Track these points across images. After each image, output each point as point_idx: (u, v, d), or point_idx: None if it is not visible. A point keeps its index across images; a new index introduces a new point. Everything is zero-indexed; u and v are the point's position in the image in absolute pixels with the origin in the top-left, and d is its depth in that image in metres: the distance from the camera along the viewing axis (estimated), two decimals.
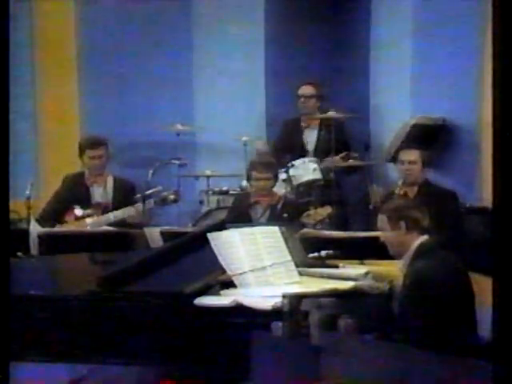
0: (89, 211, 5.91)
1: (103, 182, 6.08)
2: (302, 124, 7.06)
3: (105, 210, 5.93)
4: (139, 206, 5.79)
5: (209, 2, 7.64)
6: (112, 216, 5.83)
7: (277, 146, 7.11)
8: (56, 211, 5.97)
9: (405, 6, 6.77)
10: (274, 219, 5.45)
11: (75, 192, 6.06)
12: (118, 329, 3.54)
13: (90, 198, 6.05)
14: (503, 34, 2.30)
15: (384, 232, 3.98)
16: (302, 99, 6.99)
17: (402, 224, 3.88)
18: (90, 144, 6.07)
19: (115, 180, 6.12)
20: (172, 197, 5.82)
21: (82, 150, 6.08)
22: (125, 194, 6.03)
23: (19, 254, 4.94)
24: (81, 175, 6.14)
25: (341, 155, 6.60)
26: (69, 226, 5.80)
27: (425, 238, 3.88)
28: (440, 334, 3.56)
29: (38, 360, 3.68)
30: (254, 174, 5.76)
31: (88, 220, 5.85)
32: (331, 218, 5.80)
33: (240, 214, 5.70)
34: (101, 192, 6.07)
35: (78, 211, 5.89)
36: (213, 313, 3.44)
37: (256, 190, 5.81)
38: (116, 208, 5.91)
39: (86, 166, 6.10)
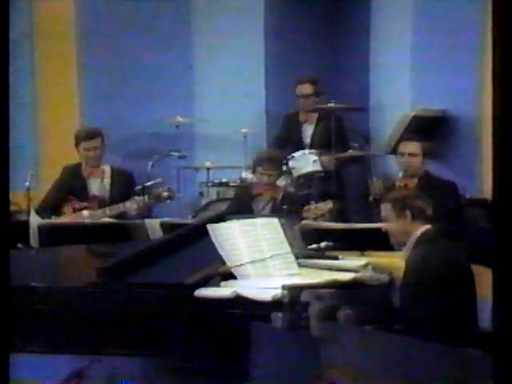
0: (85, 204, 5.91)
1: (100, 173, 6.07)
2: (301, 119, 7.06)
3: (101, 202, 5.92)
4: (137, 198, 5.79)
5: None
6: (108, 210, 5.82)
7: (277, 140, 7.11)
8: (54, 203, 5.96)
9: None
10: (275, 211, 5.44)
11: (72, 184, 6.05)
12: (118, 320, 3.55)
13: (86, 189, 6.04)
14: (503, 27, 2.30)
15: (388, 221, 4.00)
16: (302, 99, 6.98)
17: (408, 213, 3.92)
18: (85, 135, 6.07)
19: (113, 171, 6.10)
20: (166, 194, 5.82)
21: (77, 142, 6.08)
22: (123, 185, 6.02)
23: (19, 245, 4.95)
24: (78, 167, 6.13)
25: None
26: (66, 218, 5.79)
27: (427, 227, 3.91)
28: (440, 324, 3.57)
29: (38, 351, 3.69)
30: (260, 169, 5.74)
31: (85, 212, 5.85)
32: (332, 213, 5.80)
33: (242, 206, 5.70)
34: (98, 184, 6.06)
35: (75, 204, 5.90)
36: (213, 304, 3.45)
37: (259, 183, 5.80)
38: (113, 199, 5.90)
39: (82, 157, 6.10)
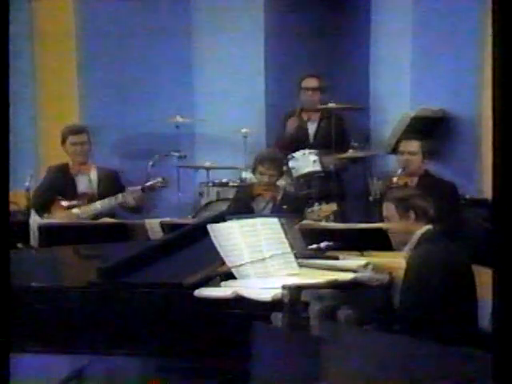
0: (74, 202, 5.90)
1: (87, 171, 6.09)
2: (304, 117, 7.06)
3: (91, 199, 5.93)
4: (131, 189, 5.80)
5: None
6: (99, 205, 5.83)
7: (282, 141, 7.10)
8: (41, 203, 5.94)
9: None
10: (276, 212, 5.44)
11: (60, 183, 6.05)
12: (118, 320, 3.55)
13: (75, 188, 6.05)
14: (503, 26, 2.29)
15: (391, 220, 4.00)
16: (310, 92, 6.98)
17: (412, 213, 3.92)
18: (71, 130, 6.11)
19: (99, 170, 6.13)
20: (159, 183, 5.85)
21: (64, 138, 6.11)
22: (109, 183, 6.04)
23: (19, 245, 4.95)
24: (65, 166, 6.14)
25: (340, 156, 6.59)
26: (55, 217, 5.78)
27: (428, 226, 3.92)
28: (440, 324, 3.57)
29: (38, 351, 3.69)
30: (260, 168, 5.74)
31: (75, 210, 5.85)
32: (336, 215, 5.80)
33: (242, 206, 5.70)
34: (86, 182, 6.07)
35: (64, 202, 5.89)
36: (213, 304, 3.45)
37: (259, 184, 5.81)
38: (101, 197, 5.91)
39: (69, 153, 6.10)
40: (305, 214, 5.41)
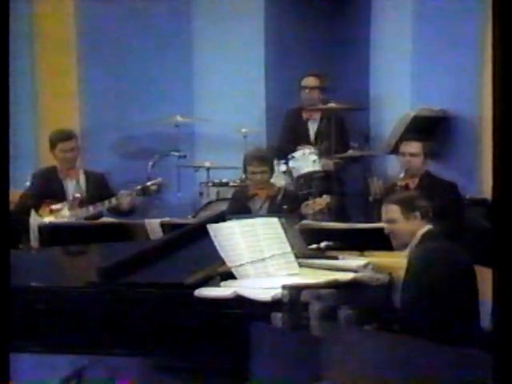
0: (63, 203, 5.89)
1: (76, 175, 6.08)
2: (304, 116, 7.07)
3: (81, 203, 5.92)
4: (123, 192, 5.80)
5: None
6: (91, 208, 5.82)
7: (283, 136, 7.09)
8: (29, 206, 5.91)
9: None
10: (273, 211, 5.46)
11: (48, 186, 6.03)
12: (118, 320, 3.55)
13: (64, 191, 6.03)
14: (504, 26, 2.30)
15: (395, 222, 4.01)
16: (307, 90, 6.99)
17: (418, 214, 3.94)
18: (61, 137, 6.06)
19: (86, 174, 6.12)
20: (154, 187, 5.84)
21: (53, 144, 6.06)
22: (97, 186, 6.04)
23: (21, 246, 4.95)
24: (53, 170, 6.12)
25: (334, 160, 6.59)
26: (45, 219, 5.77)
27: (429, 226, 3.94)
28: (441, 324, 3.57)
29: (38, 351, 3.69)
30: (250, 168, 5.80)
31: (64, 212, 5.84)
32: (330, 208, 5.81)
33: (240, 206, 5.72)
34: (74, 185, 6.06)
35: (53, 205, 5.88)
36: (213, 304, 3.45)
37: (253, 183, 5.84)
38: (90, 200, 5.91)
39: (59, 159, 6.08)
40: (301, 209, 5.43)
